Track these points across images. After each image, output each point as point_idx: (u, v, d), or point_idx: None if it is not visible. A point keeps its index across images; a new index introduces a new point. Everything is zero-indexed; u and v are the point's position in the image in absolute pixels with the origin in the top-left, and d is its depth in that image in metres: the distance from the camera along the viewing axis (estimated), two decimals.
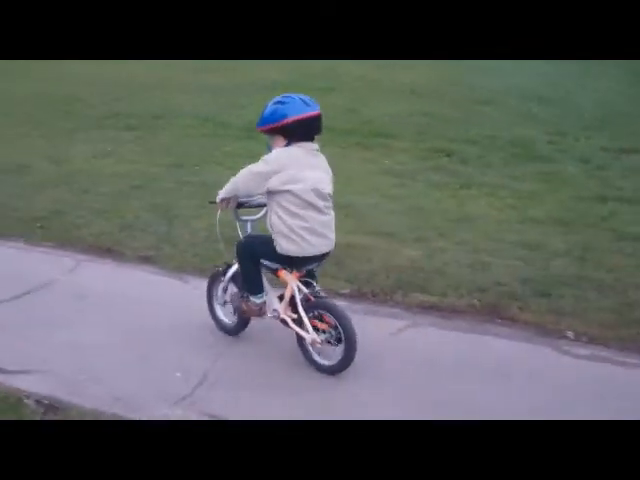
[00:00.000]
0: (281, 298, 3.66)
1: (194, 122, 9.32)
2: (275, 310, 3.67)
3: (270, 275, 3.77)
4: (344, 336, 3.40)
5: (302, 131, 3.33)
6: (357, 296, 4.54)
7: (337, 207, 5.91)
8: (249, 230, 3.76)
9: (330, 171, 3.54)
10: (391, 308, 4.38)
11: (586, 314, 4.21)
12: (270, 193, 3.35)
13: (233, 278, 3.83)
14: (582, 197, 6.36)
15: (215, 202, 3.62)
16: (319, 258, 3.51)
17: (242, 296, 3.71)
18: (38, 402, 3.33)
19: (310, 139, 3.39)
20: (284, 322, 3.64)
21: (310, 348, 3.58)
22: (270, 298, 3.69)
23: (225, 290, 3.94)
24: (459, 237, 5.41)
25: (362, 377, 3.58)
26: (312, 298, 3.51)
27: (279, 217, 3.35)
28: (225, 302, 3.99)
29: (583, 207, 6.10)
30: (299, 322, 3.54)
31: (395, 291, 4.55)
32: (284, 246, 3.38)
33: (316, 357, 3.60)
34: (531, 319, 4.21)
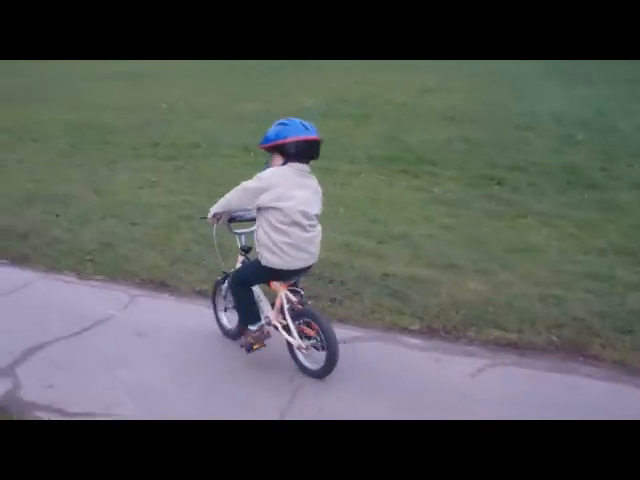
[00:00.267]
0: (273, 306, 3.89)
1: (234, 151, 9.22)
2: (267, 317, 3.88)
3: (264, 286, 3.96)
4: (326, 344, 3.60)
5: (298, 152, 3.52)
6: (427, 333, 4.33)
7: (392, 238, 5.85)
8: (243, 242, 4.01)
9: (320, 191, 3.70)
10: (466, 346, 4.16)
11: None
12: (259, 209, 3.55)
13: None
14: None
15: (207, 217, 3.88)
16: (301, 271, 3.71)
17: (242, 332, 3.90)
18: None
19: (305, 161, 3.58)
20: (275, 328, 3.86)
21: (298, 353, 3.80)
22: (263, 306, 3.92)
23: (225, 297, 4.19)
24: (523, 269, 5.20)
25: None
26: (300, 306, 3.74)
27: (265, 232, 3.54)
28: (226, 309, 4.22)
29: None
30: (287, 329, 3.77)
31: (468, 327, 4.34)
32: (269, 259, 3.57)
33: (304, 361, 3.81)
34: (616, 357, 3.98)
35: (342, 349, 4.07)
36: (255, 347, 3.83)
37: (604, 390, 3.69)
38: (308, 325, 3.70)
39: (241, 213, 3.89)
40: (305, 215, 3.54)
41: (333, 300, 4.70)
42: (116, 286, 5.02)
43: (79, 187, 7.53)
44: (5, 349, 4.11)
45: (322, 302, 4.67)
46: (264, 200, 3.46)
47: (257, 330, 3.80)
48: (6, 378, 3.84)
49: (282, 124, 3.56)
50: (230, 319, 4.22)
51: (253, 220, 3.78)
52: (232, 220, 3.93)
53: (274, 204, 3.45)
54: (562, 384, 3.75)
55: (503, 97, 13.06)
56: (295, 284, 3.85)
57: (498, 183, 7.55)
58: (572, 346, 4.12)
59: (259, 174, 3.54)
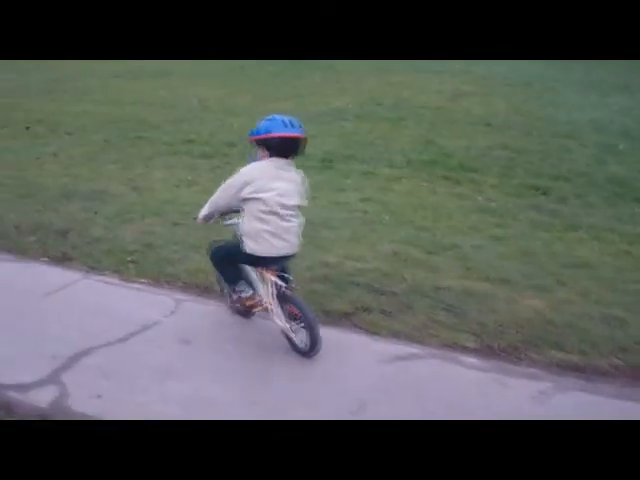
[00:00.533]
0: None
1: None
2: (262, 300, 4.14)
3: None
4: (308, 330, 3.85)
5: (280, 148, 3.79)
6: (485, 351, 4.15)
7: (442, 248, 5.67)
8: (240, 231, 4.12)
9: (303, 183, 3.94)
10: (528, 367, 3.98)
11: None
12: (244, 200, 3.81)
13: None
14: None
15: (197, 218, 4.13)
16: (283, 259, 3.96)
17: (233, 293, 4.21)
18: None
19: (286, 156, 3.83)
20: (266, 310, 4.12)
21: (290, 334, 4.00)
22: (259, 288, 4.16)
23: None
24: (580, 286, 4.99)
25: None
26: (288, 291, 3.97)
27: (248, 221, 3.83)
28: None
29: None
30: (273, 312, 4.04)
31: (528, 347, 4.16)
32: (251, 246, 3.85)
33: (296, 341, 4.00)
34: None
35: (400, 366, 3.94)
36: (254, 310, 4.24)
37: None
38: (292, 310, 3.97)
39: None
40: (283, 206, 3.80)
41: (385, 313, 4.53)
42: (160, 290, 4.88)
43: (116, 183, 7.41)
44: (49, 353, 3.99)
45: (374, 315, 4.50)
46: (247, 192, 3.75)
47: (250, 297, 4.14)
48: (52, 385, 3.71)
49: (270, 120, 3.81)
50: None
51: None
52: (224, 214, 4.18)
53: (255, 195, 3.74)
54: (634, 413, 3.56)
55: (539, 104, 12.79)
56: (284, 270, 4.08)
57: (543, 193, 7.33)
58: (638, 372, 3.93)
59: (241, 169, 3.84)
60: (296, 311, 3.93)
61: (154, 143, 9.35)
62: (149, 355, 4.02)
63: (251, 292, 4.16)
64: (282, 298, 3.99)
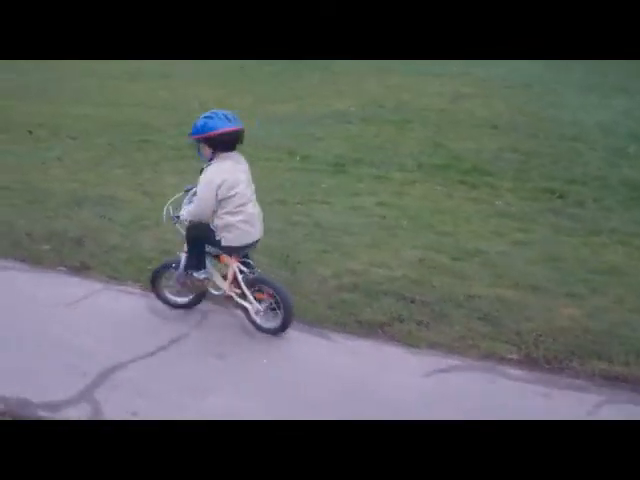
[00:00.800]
0: (225, 278, 4.27)
1: (277, 154, 8.92)
2: (220, 289, 4.30)
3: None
4: (282, 303, 4.10)
5: (225, 142, 3.96)
6: (526, 362, 4.05)
7: (466, 254, 5.56)
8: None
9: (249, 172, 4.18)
10: (572, 379, 3.88)
11: None
12: (220, 201, 3.95)
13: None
14: None
15: (178, 220, 4.23)
16: (251, 245, 4.19)
17: (187, 274, 4.24)
18: None
19: (231, 149, 4.03)
20: (230, 298, 4.31)
21: (255, 316, 4.24)
22: (216, 278, 4.30)
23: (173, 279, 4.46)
24: (613, 293, 4.90)
25: None
26: (251, 276, 4.19)
27: (222, 217, 4.00)
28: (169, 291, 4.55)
29: None
30: (243, 296, 4.23)
31: (570, 358, 4.06)
32: (229, 239, 4.05)
33: (261, 322, 4.26)
34: None
35: (441, 379, 3.84)
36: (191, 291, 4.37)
37: None
38: (260, 290, 4.19)
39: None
40: (250, 194, 4.10)
41: (420, 323, 4.42)
42: None
43: (125, 189, 7.25)
44: (78, 369, 3.86)
45: (408, 324, 4.39)
46: (223, 193, 3.91)
47: (201, 281, 4.21)
48: (84, 403, 3.58)
49: (208, 117, 3.94)
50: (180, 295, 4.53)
51: None
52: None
53: (231, 192, 3.92)
54: None
55: (541, 106, 12.71)
56: (246, 256, 4.29)
57: (560, 197, 7.24)
58: None
59: (207, 175, 3.96)
60: (259, 295, 4.18)
61: (160, 147, 9.18)
62: (183, 369, 3.89)
63: (204, 276, 4.23)
64: (251, 282, 4.19)
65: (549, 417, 3.49)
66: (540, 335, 4.27)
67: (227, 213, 3.98)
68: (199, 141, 4.01)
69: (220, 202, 3.96)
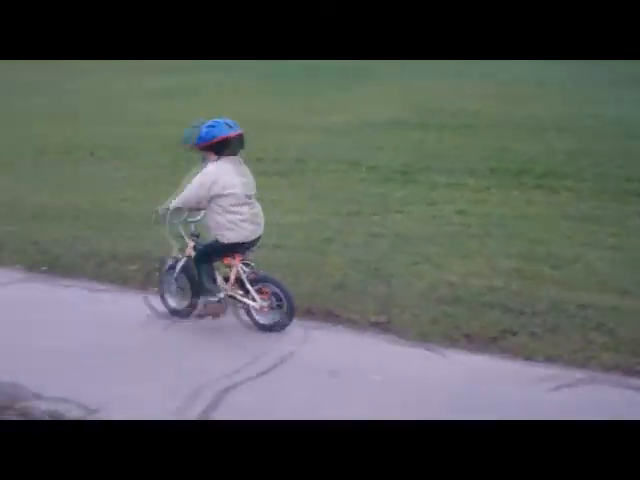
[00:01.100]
0: (226, 280, 4.45)
1: (342, 166, 8.82)
2: (224, 289, 4.43)
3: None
4: (285, 299, 4.29)
5: (228, 147, 4.23)
6: None
7: (564, 261, 5.34)
8: (193, 229, 4.54)
9: (252, 176, 4.39)
10: None
11: None
12: (212, 198, 4.19)
13: (183, 269, 4.54)
14: None
15: (167, 208, 4.37)
16: (254, 242, 4.39)
17: (205, 304, 4.45)
18: None
19: (235, 154, 4.30)
20: (232, 297, 4.44)
21: (256, 314, 4.40)
22: (219, 280, 4.47)
23: (177, 279, 4.61)
24: None
25: None
26: (253, 275, 4.39)
27: (220, 215, 4.22)
28: (177, 289, 4.65)
29: None
30: (245, 295, 4.39)
31: None
32: (229, 236, 4.25)
33: (262, 320, 4.41)
34: None
35: (567, 394, 3.66)
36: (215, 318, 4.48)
37: None
38: (260, 290, 4.34)
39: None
40: (248, 196, 4.29)
41: (533, 334, 4.24)
42: None
43: None
44: (195, 391, 3.73)
45: (522, 337, 4.22)
46: (216, 190, 4.15)
47: (219, 303, 4.39)
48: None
49: (211, 126, 4.22)
50: (178, 302, 4.64)
51: (199, 210, 4.40)
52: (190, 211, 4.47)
53: (225, 191, 4.14)
54: None
55: (586, 103, 12.55)
56: (246, 257, 4.45)
57: None
58: None
59: (204, 170, 4.21)
60: (263, 294, 4.33)
61: None
62: (298, 390, 3.76)
63: (216, 299, 4.39)
64: (254, 281, 4.37)
65: None
66: None
67: (224, 211, 4.21)
68: (204, 149, 4.28)
69: (213, 198, 4.19)
